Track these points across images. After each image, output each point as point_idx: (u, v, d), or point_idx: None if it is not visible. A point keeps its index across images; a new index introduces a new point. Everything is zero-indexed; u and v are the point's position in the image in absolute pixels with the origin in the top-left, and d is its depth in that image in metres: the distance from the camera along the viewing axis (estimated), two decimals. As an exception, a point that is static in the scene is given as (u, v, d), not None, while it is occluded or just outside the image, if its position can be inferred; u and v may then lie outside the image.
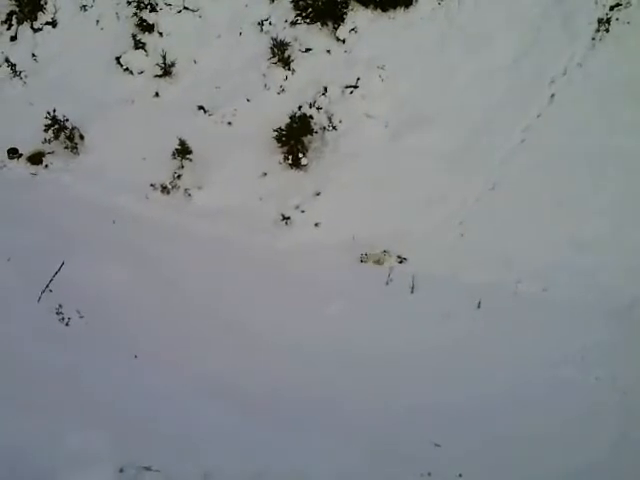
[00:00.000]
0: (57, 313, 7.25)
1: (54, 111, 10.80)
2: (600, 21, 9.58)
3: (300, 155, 9.99)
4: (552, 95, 9.46)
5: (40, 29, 12.30)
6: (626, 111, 9.19)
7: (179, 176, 10.27)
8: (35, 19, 12.33)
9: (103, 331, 7.18)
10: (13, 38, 12.43)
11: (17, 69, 12.06)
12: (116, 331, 7.27)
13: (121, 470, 4.66)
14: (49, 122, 10.83)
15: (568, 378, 7.25)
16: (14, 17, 12.53)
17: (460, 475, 5.81)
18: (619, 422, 6.57)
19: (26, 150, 11.11)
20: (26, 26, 12.39)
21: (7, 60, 12.20)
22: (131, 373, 6.55)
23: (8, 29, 12.54)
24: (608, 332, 7.73)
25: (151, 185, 10.22)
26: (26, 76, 12.00)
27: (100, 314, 7.44)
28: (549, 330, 7.82)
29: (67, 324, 7.15)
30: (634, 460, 6.12)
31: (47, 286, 7.50)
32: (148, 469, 4.68)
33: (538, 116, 9.45)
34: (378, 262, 8.99)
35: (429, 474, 5.77)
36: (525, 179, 9.16)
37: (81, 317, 7.26)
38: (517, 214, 8.95)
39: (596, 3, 9.61)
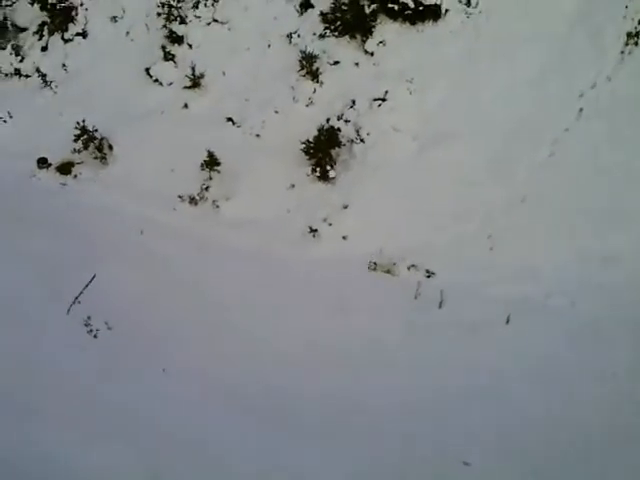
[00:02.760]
0: (86, 325, 7.44)
1: (83, 121, 11.08)
2: (629, 35, 9.62)
3: (328, 168, 10.14)
4: (580, 109, 9.49)
5: (71, 40, 12.67)
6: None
7: (207, 187, 10.49)
8: (66, 30, 12.70)
9: (131, 343, 7.38)
10: (44, 49, 12.83)
11: (47, 79, 12.46)
12: (144, 343, 7.47)
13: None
14: (78, 132, 11.11)
15: (598, 394, 7.24)
16: (45, 28, 12.92)
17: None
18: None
19: (56, 160, 11.41)
20: (57, 37, 12.77)
21: (38, 70, 12.63)
22: (159, 385, 6.75)
23: (39, 39, 12.95)
24: (634, 347, 7.72)
25: (179, 196, 10.45)
26: (56, 86, 12.36)
27: (128, 325, 7.65)
28: (578, 345, 7.83)
29: (95, 336, 7.34)
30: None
31: (76, 298, 7.74)
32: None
33: (566, 130, 9.48)
34: (388, 272, 9.12)
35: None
36: (554, 193, 9.21)
37: (109, 329, 7.47)
38: (546, 227, 9.00)
39: (625, 17, 9.65)
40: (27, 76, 12.77)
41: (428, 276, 9.00)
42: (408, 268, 9.09)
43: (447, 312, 8.49)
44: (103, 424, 5.61)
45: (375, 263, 9.11)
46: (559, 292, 8.51)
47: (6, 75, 12.94)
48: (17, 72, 12.88)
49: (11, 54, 13.04)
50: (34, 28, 13.04)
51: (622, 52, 9.57)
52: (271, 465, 5.73)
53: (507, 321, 8.20)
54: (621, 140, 9.19)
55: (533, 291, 8.52)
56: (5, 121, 12.17)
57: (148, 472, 5.04)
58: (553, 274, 8.66)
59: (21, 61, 12.90)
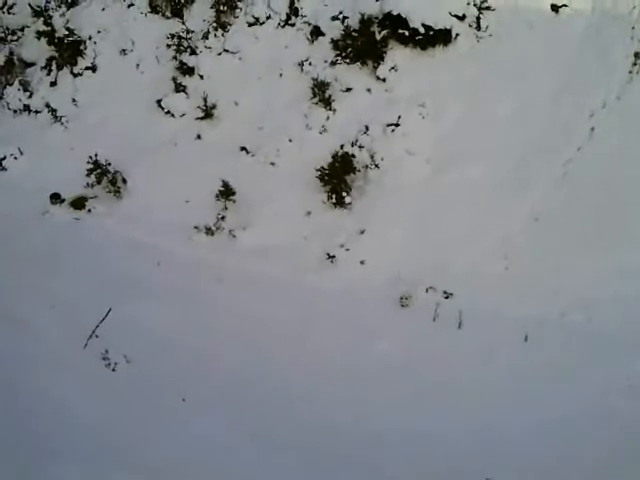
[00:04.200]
0: (103, 359, 7.89)
1: (96, 155, 11.85)
2: (637, 55, 10.48)
3: (344, 194, 10.91)
4: (592, 128, 10.31)
5: (80, 74, 13.57)
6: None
7: (223, 217, 11.23)
8: (75, 64, 13.61)
9: (150, 376, 7.81)
10: (53, 84, 13.71)
11: (58, 114, 13.27)
12: (164, 376, 7.89)
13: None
14: (91, 166, 11.88)
15: (616, 408, 7.93)
16: (54, 62, 13.79)
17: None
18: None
19: (69, 195, 12.14)
20: (66, 71, 13.66)
21: (47, 105, 13.44)
22: (179, 418, 7.16)
23: (48, 74, 13.83)
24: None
25: (195, 227, 11.14)
26: (67, 121, 13.19)
27: (147, 359, 8.10)
28: (595, 360, 8.54)
29: (114, 369, 7.80)
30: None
31: (93, 332, 8.20)
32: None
33: (579, 149, 10.31)
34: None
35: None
36: (568, 211, 9.98)
37: (128, 362, 7.96)
38: (561, 245, 9.73)
39: (632, 38, 10.54)
40: (37, 112, 13.60)
41: (446, 297, 9.70)
42: (426, 290, 9.80)
43: (466, 332, 9.17)
44: (121, 458, 5.93)
45: (406, 298, 9.73)
46: (575, 309, 9.23)
47: (15, 111, 13.80)
48: (26, 108, 13.73)
49: (19, 90, 13.93)
50: (42, 63, 13.92)
51: (630, 72, 10.45)
52: None
53: (525, 339, 8.93)
54: (633, 157, 10.00)
55: (550, 308, 9.25)
56: (16, 158, 12.95)
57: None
58: (569, 291, 9.37)
59: (30, 97, 13.77)
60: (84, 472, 5.46)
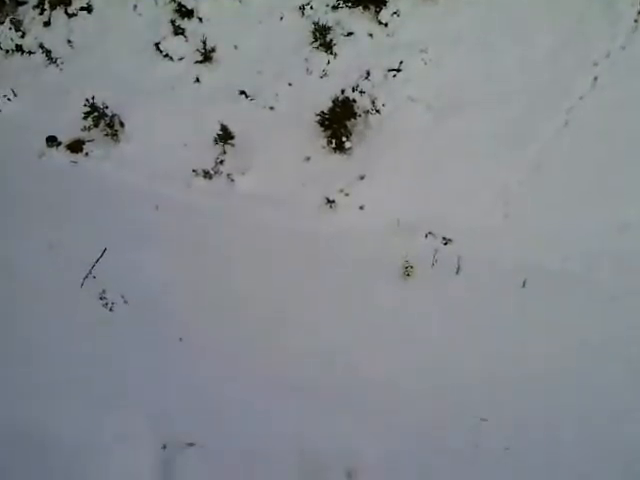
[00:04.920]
0: (101, 299, 8.14)
1: (93, 98, 11.92)
2: (642, 4, 10.67)
3: (344, 139, 11.07)
4: (595, 78, 10.49)
5: (75, 14, 13.50)
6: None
7: (221, 162, 11.41)
8: (69, 4, 13.53)
9: (148, 316, 8.11)
10: (47, 24, 13.64)
11: (52, 55, 13.23)
12: (161, 316, 8.19)
13: (164, 447, 5.45)
14: (88, 109, 11.95)
15: (613, 358, 8.29)
16: (46, 1, 13.70)
17: (507, 449, 6.81)
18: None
19: (65, 138, 12.22)
20: (60, 11, 13.59)
21: (41, 46, 13.39)
22: (176, 356, 7.43)
23: (41, 14, 13.76)
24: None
25: (193, 171, 11.32)
26: (62, 62, 13.17)
27: (145, 300, 8.38)
28: (593, 311, 8.88)
29: (111, 309, 8.05)
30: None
31: (90, 272, 8.41)
32: (191, 445, 5.50)
33: (581, 98, 10.51)
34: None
35: (476, 447, 6.78)
36: (569, 161, 10.22)
37: (125, 302, 8.20)
38: (561, 195, 10.00)
39: (638, -14, 10.71)
40: (30, 52, 13.55)
41: (445, 243, 10.00)
42: (425, 236, 10.09)
43: (464, 278, 9.47)
44: (119, 393, 6.21)
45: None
46: (575, 258, 9.52)
47: (7, 52, 13.72)
48: (19, 48, 13.66)
49: (11, 29, 13.78)
50: (34, 1, 13.84)
51: (635, 21, 10.58)
52: (299, 435, 6.31)
53: (523, 285, 9.24)
54: (636, 108, 10.18)
55: (549, 258, 9.52)
56: (9, 99, 12.97)
57: (160, 441, 5.54)
58: (569, 241, 9.66)
59: (22, 37, 13.69)
60: (80, 412, 5.66)
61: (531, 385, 7.95)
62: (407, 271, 9.47)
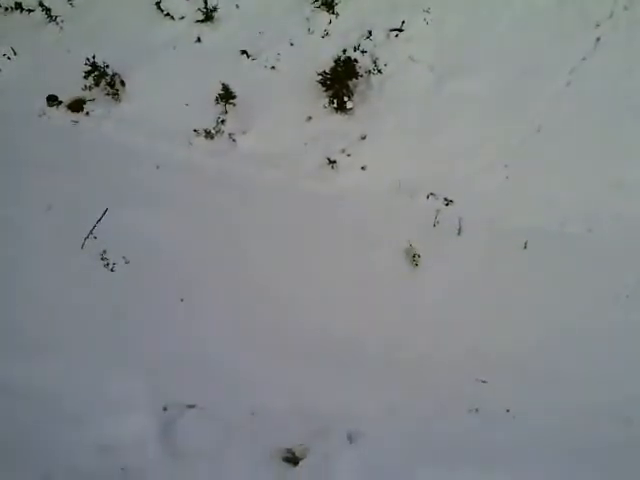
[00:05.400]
0: (102, 259, 8.16)
1: (93, 57, 11.73)
2: (647, -37, 10.52)
3: (345, 99, 11.02)
4: (597, 38, 10.47)
5: None
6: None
7: (223, 121, 11.33)
8: None
9: (149, 277, 8.10)
10: None
11: (52, 14, 12.95)
12: (163, 277, 8.19)
13: (165, 409, 5.52)
14: (89, 68, 11.76)
15: (615, 317, 8.48)
16: None
17: (508, 410, 6.86)
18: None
19: (66, 97, 12.04)
20: None
21: (41, 4, 13.05)
22: (178, 317, 7.50)
23: None
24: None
25: (195, 131, 11.25)
26: (62, 21, 12.89)
27: (146, 260, 8.37)
28: (594, 270, 9.03)
29: (112, 269, 8.08)
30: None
31: (91, 232, 8.38)
32: (192, 407, 5.56)
33: (583, 59, 10.48)
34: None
35: (476, 410, 6.82)
36: (570, 122, 10.23)
37: (127, 263, 8.23)
38: (562, 156, 10.03)
39: (643, -56, 10.57)
40: (30, 10, 13.24)
41: (446, 204, 10.05)
42: (427, 197, 10.14)
43: (466, 239, 9.57)
44: (119, 354, 6.27)
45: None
46: (575, 219, 9.66)
47: (6, 9, 13.37)
48: (18, 6, 13.31)
49: None
50: None
51: None
52: (300, 397, 6.39)
53: (525, 247, 9.35)
54: (638, 69, 10.21)
55: (549, 218, 9.66)
56: (9, 58, 12.69)
57: (161, 403, 5.63)
58: (569, 201, 9.75)
59: None
60: (81, 373, 5.75)
61: (532, 346, 8.08)
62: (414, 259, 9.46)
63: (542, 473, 5.21)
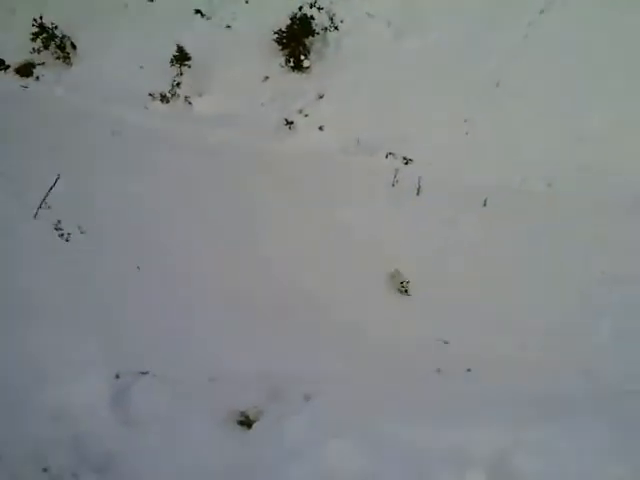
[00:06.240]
0: (56, 229, 7.73)
1: (41, 18, 11.39)
2: None
3: (302, 57, 10.88)
4: None
5: None
6: (631, 10, 10.18)
7: (178, 84, 11.11)
8: None
9: (106, 246, 7.78)
10: None
11: None
12: (119, 245, 7.88)
13: (117, 376, 5.30)
14: (36, 30, 11.42)
15: (573, 271, 8.38)
16: None
17: (469, 370, 6.76)
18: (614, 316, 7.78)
19: (13, 61, 11.69)
20: None
21: None
22: (133, 284, 7.22)
23: None
24: (611, 225, 8.90)
25: (150, 94, 11.04)
26: None
27: (102, 229, 8.04)
28: (555, 224, 8.97)
29: (67, 240, 7.65)
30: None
31: (43, 200, 7.92)
32: (145, 373, 5.35)
33: (541, 12, 10.40)
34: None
35: (439, 370, 6.69)
36: (528, 75, 10.20)
37: (82, 232, 7.84)
38: (521, 111, 10.00)
39: None
40: None
41: (406, 163, 9.96)
42: (386, 156, 10.04)
43: (425, 198, 9.46)
44: (72, 321, 6.00)
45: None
46: (535, 174, 9.65)
47: None
48: None
49: None
50: None
51: None
52: (258, 360, 6.19)
53: (484, 204, 9.25)
54: (596, 23, 10.13)
55: (509, 174, 9.63)
56: None
57: (113, 370, 5.39)
58: (528, 156, 9.73)
59: None
60: (33, 340, 5.56)
61: (494, 304, 7.97)
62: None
63: (501, 426, 5.16)
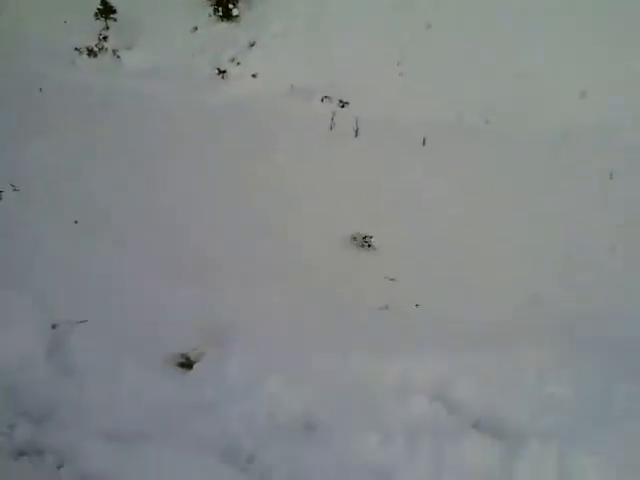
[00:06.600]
0: None
1: None
2: None
3: (230, 6, 10.67)
4: None
5: None
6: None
7: (105, 37, 10.86)
8: None
9: (41, 202, 7.74)
10: None
11: None
12: (55, 202, 7.81)
13: (54, 326, 5.26)
14: None
15: (513, 207, 8.37)
16: None
17: (417, 305, 6.76)
18: (563, 250, 7.75)
19: None
20: None
21: None
22: (71, 238, 7.14)
23: None
24: (547, 160, 8.98)
25: (76, 49, 10.75)
26: None
27: (36, 187, 7.98)
28: (493, 160, 8.99)
29: (0, 198, 7.62)
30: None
31: None
32: (83, 322, 5.29)
33: None
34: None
35: (386, 307, 6.64)
36: (460, 17, 10.18)
37: (16, 190, 7.81)
38: (454, 51, 9.97)
39: None
40: None
41: (342, 106, 9.86)
42: (321, 100, 9.94)
43: (363, 140, 9.38)
44: (4, 267, 6.04)
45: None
46: (471, 111, 9.66)
47: None
48: None
49: None
50: None
51: None
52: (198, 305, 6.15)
53: (423, 143, 9.25)
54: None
55: (446, 113, 9.56)
56: None
57: (49, 321, 5.31)
58: (464, 95, 9.71)
59: None
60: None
61: (436, 241, 7.95)
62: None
63: (444, 354, 5.22)
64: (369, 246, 7.74)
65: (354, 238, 7.86)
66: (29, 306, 5.41)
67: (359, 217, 8.19)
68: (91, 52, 10.83)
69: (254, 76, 10.37)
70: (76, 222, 7.54)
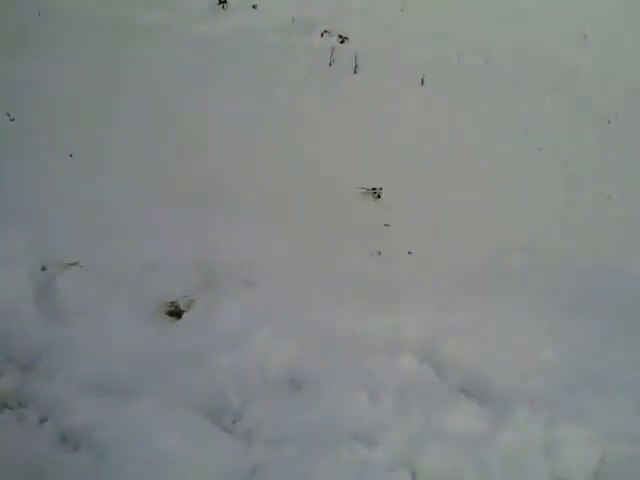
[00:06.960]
0: None
1: None
2: None
3: None
4: None
5: None
6: None
7: None
8: None
9: (38, 134, 7.48)
10: None
11: None
12: (52, 133, 7.56)
13: (43, 268, 5.12)
14: None
15: (512, 151, 8.32)
16: None
17: (409, 252, 6.62)
18: (561, 191, 7.74)
19: None
20: None
21: None
22: (64, 172, 6.91)
23: None
24: (548, 102, 8.95)
25: None
26: None
27: (33, 116, 7.73)
28: (492, 101, 8.94)
29: None
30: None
31: None
32: (73, 264, 5.15)
33: None
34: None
35: (379, 253, 6.57)
36: None
37: (12, 120, 7.60)
38: None
39: None
40: None
41: (342, 41, 9.70)
42: (321, 34, 9.78)
43: (363, 77, 9.27)
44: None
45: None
46: (471, 50, 9.54)
47: None
48: None
49: None
50: None
51: None
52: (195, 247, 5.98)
53: (422, 83, 9.13)
54: None
55: (446, 51, 9.51)
56: None
57: (38, 263, 5.18)
58: (464, 33, 9.64)
59: None
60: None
61: (434, 187, 7.79)
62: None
63: (433, 308, 5.17)
64: (374, 193, 7.56)
65: (360, 187, 7.65)
66: (17, 245, 5.27)
67: (361, 161, 8.01)
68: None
69: (254, 7, 10.23)
70: (71, 156, 7.27)
